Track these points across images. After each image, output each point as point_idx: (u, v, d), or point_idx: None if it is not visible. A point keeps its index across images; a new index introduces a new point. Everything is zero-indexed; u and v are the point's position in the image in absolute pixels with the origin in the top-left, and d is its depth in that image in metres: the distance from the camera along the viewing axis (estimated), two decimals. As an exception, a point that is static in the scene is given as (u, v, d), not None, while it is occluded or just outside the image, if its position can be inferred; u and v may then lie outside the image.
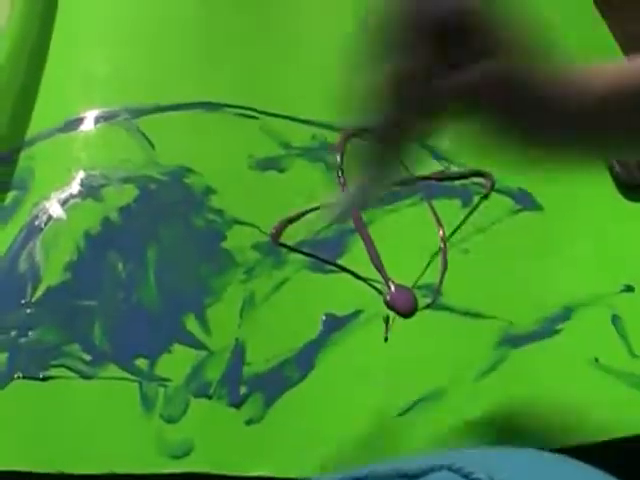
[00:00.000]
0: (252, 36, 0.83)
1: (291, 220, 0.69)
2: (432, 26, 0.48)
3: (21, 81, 0.75)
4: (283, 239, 0.68)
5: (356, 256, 0.68)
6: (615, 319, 0.67)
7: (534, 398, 0.62)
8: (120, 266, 0.65)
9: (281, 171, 0.72)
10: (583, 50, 0.82)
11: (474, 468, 0.26)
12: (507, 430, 0.60)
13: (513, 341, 0.65)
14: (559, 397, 0.62)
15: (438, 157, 0.75)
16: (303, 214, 0.70)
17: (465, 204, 0.73)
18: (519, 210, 0.73)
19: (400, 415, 0.60)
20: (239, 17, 0.85)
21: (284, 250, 0.67)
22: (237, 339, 0.62)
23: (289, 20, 0.86)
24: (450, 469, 0.27)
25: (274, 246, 0.67)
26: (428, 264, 0.68)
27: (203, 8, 0.86)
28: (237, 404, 0.59)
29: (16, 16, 0.77)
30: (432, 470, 0.27)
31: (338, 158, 0.74)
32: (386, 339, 0.64)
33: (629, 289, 0.68)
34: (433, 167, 0.75)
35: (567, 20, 0.87)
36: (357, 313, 0.65)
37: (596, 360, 0.64)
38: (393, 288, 0.66)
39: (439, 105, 0.51)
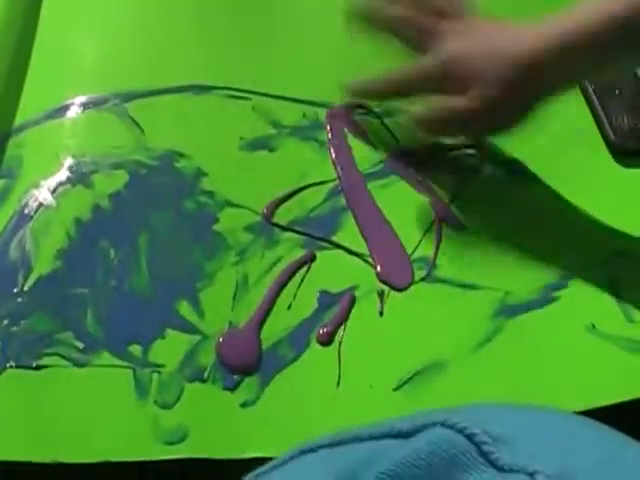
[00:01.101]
0: (240, 16, 0.83)
1: (284, 199, 0.69)
2: None
3: (8, 68, 0.75)
4: (276, 219, 0.67)
5: (349, 233, 0.67)
6: (612, 285, 0.66)
7: (532, 366, 0.62)
8: (112, 253, 0.65)
9: (272, 150, 0.72)
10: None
11: (468, 423, 0.26)
12: (506, 399, 0.59)
13: (510, 311, 0.64)
14: (558, 364, 0.62)
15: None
16: (295, 193, 0.69)
17: (459, 175, 0.72)
18: (513, 180, 0.72)
19: (396, 389, 0.60)
20: (228, -1, 0.85)
21: (276, 230, 0.67)
22: (231, 322, 0.62)
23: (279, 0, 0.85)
24: (443, 425, 0.26)
25: (266, 226, 0.67)
26: (422, 237, 0.68)
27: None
28: (232, 387, 0.59)
29: (2, 2, 0.77)
30: (425, 427, 0.27)
31: (328, 135, 0.73)
32: (381, 313, 0.63)
33: (624, 254, 0.68)
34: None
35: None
36: (351, 289, 0.64)
37: (593, 326, 0.63)
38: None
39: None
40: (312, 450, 0.30)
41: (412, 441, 0.27)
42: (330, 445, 0.30)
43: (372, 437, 0.29)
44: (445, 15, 0.67)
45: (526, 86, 0.62)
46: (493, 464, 0.25)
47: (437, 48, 0.65)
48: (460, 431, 0.26)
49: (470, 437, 0.26)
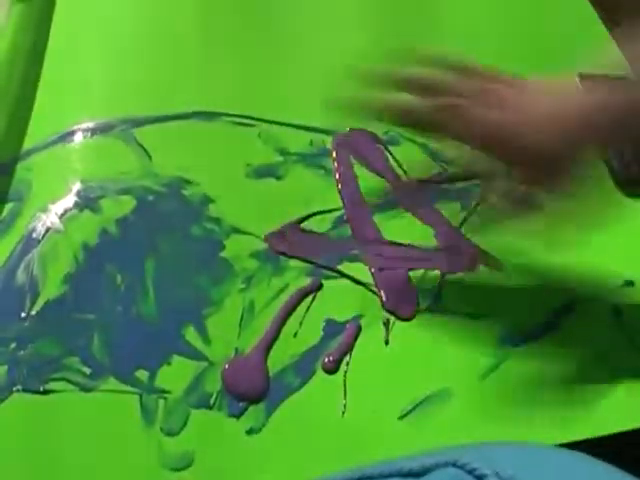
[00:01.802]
0: (247, 44, 0.83)
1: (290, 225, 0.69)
2: None
3: (17, 92, 0.75)
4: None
5: (355, 262, 0.68)
6: (616, 314, 0.66)
7: (538, 395, 0.62)
8: (119, 278, 0.65)
9: (278, 178, 0.72)
10: (589, 66, 0.83)
11: (480, 464, 0.26)
12: (512, 428, 0.59)
13: (515, 339, 0.64)
14: (562, 392, 0.62)
15: (438, 159, 0.75)
16: (301, 221, 0.70)
17: (464, 206, 0.72)
18: (517, 210, 0.72)
19: (401, 418, 0.60)
20: (235, 26, 0.85)
21: (282, 257, 0.67)
22: (237, 349, 0.62)
23: (285, 27, 0.86)
24: (455, 465, 0.27)
25: (272, 253, 0.67)
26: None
27: (199, 18, 0.86)
28: (237, 414, 0.59)
29: (11, 27, 0.78)
30: (437, 467, 0.27)
31: (335, 163, 0.73)
32: (387, 342, 0.63)
33: (629, 284, 0.68)
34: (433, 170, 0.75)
35: (572, 36, 0.87)
36: (357, 318, 0.64)
37: (598, 354, 0.64)
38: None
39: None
40: None
41: None
42: None
43: (382, 476, 0.29)
44: (479, 78, 0.64)
45: (581, 147, 0.60)
46: None
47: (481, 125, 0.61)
48: (470, 472, 0.26)
49: (480, 478, 0.26)
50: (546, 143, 0.59)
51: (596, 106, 0.59)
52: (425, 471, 0.27)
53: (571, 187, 0.61)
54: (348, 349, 0.63)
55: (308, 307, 0.65)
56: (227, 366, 0.61)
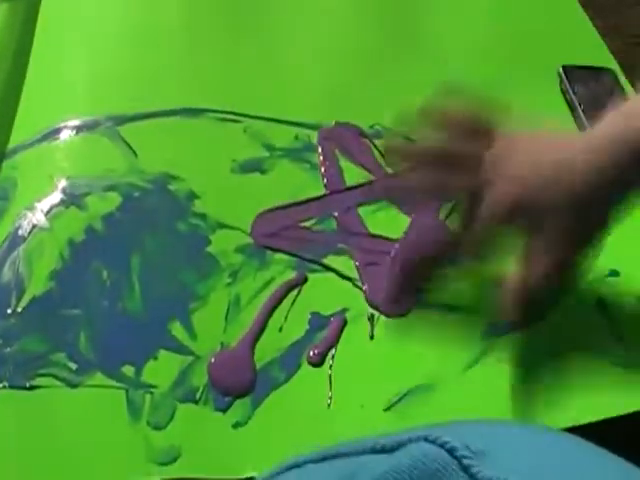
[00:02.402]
0: (232, 40, 0.83)
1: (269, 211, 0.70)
2: None
3: (2, 91, 0.75)
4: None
5: (340, 256, 0.68)
6: (600, 303, 0.66)
7: (522, 384, 0.62)
8: (104, 274, 0.65)
9: (264, 172, 0.72)
10: (565, 43, 0.83)
11: (450, 437, 0.26)
12: (496, 417, 0.60)
13: (498, 330, 0.65)
14: (547, 381, 0.62)
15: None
16: (282, 208, 0.71)
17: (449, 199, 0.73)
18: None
19: (386, 410, 0.60)
20: (219, 22, 0.85)
21: (268, 251, 0.67)
22: (222, 343, 0.62)
23: (267, 22, 0.86)
24: (426, 440, 0.27)
25: (258, 248, 0.67)
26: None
27: (182, 15, 0.86)
28: (223, 408, 0.59)
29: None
30: (409, 442, 0.27)
31: (320, 157, 0.74)
32: (372, 337, 0.63)
33: (614, 274, 0.68)
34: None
35: (548, 11, 0.88)
36: (342, 311, 0.64)
37: (582, 343, 0.64)
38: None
39: None
40: (297, 466, 0.31)
41: (394, 456, 0.27)
42: (314, 461, 0.30)
43: (356, 452, 0.29)
44: (478, 137, 0.62)
45: (595, 200, 0.58)
46: (473, 477, 0.25)
47: (488, 194, 0.60)
48: (441, 445, 0.26)
49: (451, 451, 0.26)
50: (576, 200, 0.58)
51: (613, 142, 0.57)
52: (398, 446, 0.27)
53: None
54: (333, 342, 0.63)
55: (293, 301, 0.65)
56: (213, 360, 0.61)
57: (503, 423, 0.32)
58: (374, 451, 0.28)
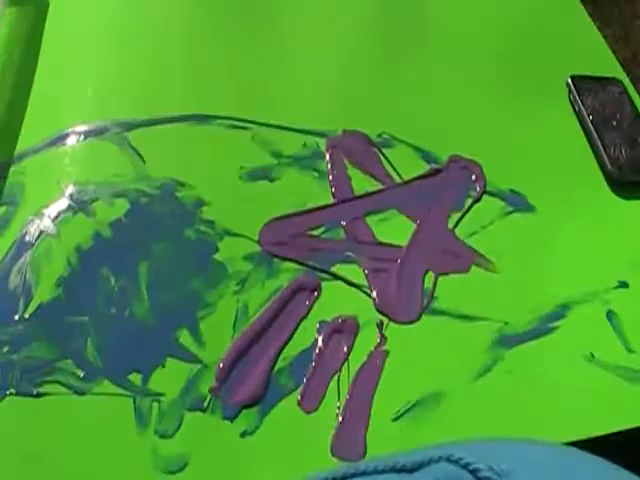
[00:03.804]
0: (241, 47, 0.83)
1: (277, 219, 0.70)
2: None
3: (10, 96, 0.75)
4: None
5: (349, 264, 0.68)
6: (610, 315, 0.66)
7: (531, 396, 0.62)
8: (112, 281, 0.65)
9: (272, 180, 0.72)
10: (574, 53, 0.83)
11: (473, 458, 0.26)
12: (505, 429, 0.59)
13: (508, 341, 0.64)
14: (556, 394, 0.62)
15: (427, 159, 0.75)
16: (289, 216, 0.70)
17: (458, 208, 0.72)
18: (511, 212, 0.72)
19: (395, 420, 0.60)
20: (228, 29, 0.85)
21: (276, 260, 0.67)
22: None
23: (278, 31, 0.86)
24: (449, 460, 0.26)
25: (266, 256, 0.67)
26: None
27: (193, 21, 0.86)
28: (231, 417, 0.59)
29: (4, 32, 0.78)
30: (430, 462, 0.27)
31: (328, 165, 0.74)
32: (380, 344, 0.63)
33: (623, 285, 0.68)
34: (422, 169, 0.75)
35: (557, 21, 0.88)
36: (351, 320, 0.64)
37: (592, 356, 0.64)
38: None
39: None
40: None
41: (416, 476, 0.27)
42: (334, 479, 0.30)
43: (376, 471, 0.29)
44: None
45: None
46: None
47: None
48: (465, 467, 0.26)
49: (475, 472, 0.26)
50: None
51: None
52: (419, 466, 0.27)
53: None
54: (342, 350, 0.62)
55: (308, 311, 0.65)
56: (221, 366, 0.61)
57: (526, 442, 0.31)
58: (394, 470, 0.28)
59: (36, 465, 0.56)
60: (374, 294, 0.66)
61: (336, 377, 0.61)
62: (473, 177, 0.74)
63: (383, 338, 0.64)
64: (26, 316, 0.62)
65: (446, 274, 0.68)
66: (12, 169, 0.71)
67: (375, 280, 0.67)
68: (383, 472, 0.28)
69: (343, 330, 0.64)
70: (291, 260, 0.67)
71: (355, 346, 0.63)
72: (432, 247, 0.70)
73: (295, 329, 0.64)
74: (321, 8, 0.89)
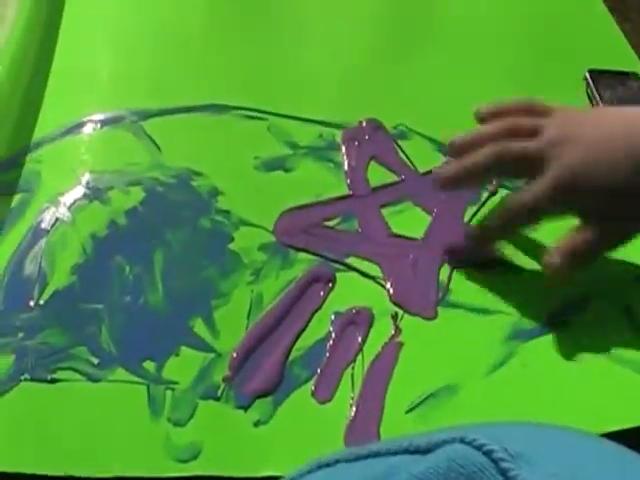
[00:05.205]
0: (258, 37, 0.84)
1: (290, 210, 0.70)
2: None
3: (27, 85, 0.76)
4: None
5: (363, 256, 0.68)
6: (628, 310, 0.66)
7: (546, 390, 0.61)
8: (127, 269, 0.65)
9: (287, 171, 0.72)
10: (592, 47, 0.83)
11: (487, 440, 0.26)
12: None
13: (523, 335, 0.64)
14: (572, 389, 0.61)
15: (443, 151, 0.74)
16: (304, 207, 0.71)
17: (474, 201, 0.72)
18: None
19: (408, 412, 0.59)
20: (245, 18, 0.86)
21: (291, 250, 0.67)
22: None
23: (294, 20, 0.87)
24: (462, 441, 0.26)
25: (281, 246, 0.67)
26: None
27: (209, 10, 0.86)
28: (245, 406, 0.59)
29: (21, 20, 0.78)
30: (444, 443, 0.27)
31: (344, 157, 0.73)
32: (394, 336, 0.63)
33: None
34: (439, 161, 0.74)
35: (574, 15, 0.87)
36: (366, 311, 0.64)
37: (607, 350, 0.63)
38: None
39: None
40: (329, 465, 0.30)
41: (430, 457, 0.27)
42: (347, 460, 0.30)
43: (389, 452, 0.29)
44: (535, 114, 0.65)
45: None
46: None
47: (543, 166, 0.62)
48: (478, 448, 0.26)
49: (488, 454, 0.26)
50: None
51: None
52: (432, 447, 0.27)
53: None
54: (356, 341, 0.62)
55: (323, 301, 0.65)
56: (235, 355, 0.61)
57: (539, 426, 0.31)
58: (408, 451, 0.28)
59: (49, 451, 0.56)
60: (389, 286, 0.66)
61: (350, 368, 0.61)
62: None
63: (397, 330, 0.63)
64: (41, 303, 0.62)
65: (461, 267, 0.68)
66: (28, 157, 0.71)
67: (390, 272, 0.67)
68: (396, 454, 0.28)
69: (357, 321, 0.63)
70: (306, 251, 0.67)
71: (369, 337, 0.63)
72: (448, 240, 0.69)
73: (309, 320, 0.63)
74: (341, 1, 0.89)
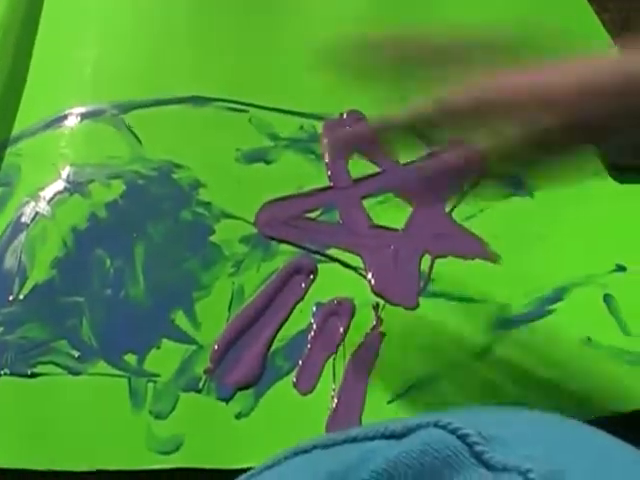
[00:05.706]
0: (239, 29, 0.83)
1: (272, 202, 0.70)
2: None
3: (6, 77, 0.75)
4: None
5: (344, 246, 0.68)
6: (607, 298, 0.66)
7: (528, 379, 0.61)
8: (108, 262, 0.65)
9: (268, 162, 0.72)
10: (568, 34, 0.83)
11: (462, 424, 0.26)
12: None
13: (506, 323, 0.64)
14: (554, 376, 0.62)
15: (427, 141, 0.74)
16: (286, 198, 0.70)
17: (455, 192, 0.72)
18: (509, 194, 0.72)
19: (390, 402, 0.59)
20: (227, 11, 0.85)
21: (273, 242, 0.67)
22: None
23: (275, 12, 0.86)
24: (437, 425, 0.27)
25: (262, 238, 0.67)
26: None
27: (189, 3, 0.86)
28: (227, 398, 0.59)
29: (1, 12, 0.77)
30: (418, 427, 0.27)
31: (325, 148, 0.73)
32: (376, 326, 0.63)
33: (621, 269, 0.68)
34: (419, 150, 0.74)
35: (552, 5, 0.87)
36: (347, 302, 0.64)
37: (589, 339, 0.63)
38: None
39: None
40: (305, 451, 0.31)
41: (405, 441, 0.27)
42: (323, 446, 0.30)
43: (366, 438, 0.29)
44: None
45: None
46: (486, 464, 0.25)
47: None
48: (453, 432, 0.26)
49: (463, 438, 0.26)
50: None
51: None
52: (407, 432, 0.27)
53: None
54: (338, 332, 0.62)
55: (305, 293, 0.64)
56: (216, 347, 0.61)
57: (514, 410, 0.31)
58: (383, 436, 0.28)
59: (30, 446, 0.56)
60: (370, 276, 0.66)
61: (332, 359, 0.61)
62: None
63: (379, 320, 0.63)
64: (21, 297, 0.62)
65: (443, 257, 0.68)
66: (8, 151, 0.71)
67: (371, 262, 0.66)
68: (373, 439, 0.28)
69: (339, 312, 0.63)
70: (287, 242, 0.67)
71: (351, 328, 0.63)
72: (428, 230, 0.69)
73: (291, 311, 0.63)
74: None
